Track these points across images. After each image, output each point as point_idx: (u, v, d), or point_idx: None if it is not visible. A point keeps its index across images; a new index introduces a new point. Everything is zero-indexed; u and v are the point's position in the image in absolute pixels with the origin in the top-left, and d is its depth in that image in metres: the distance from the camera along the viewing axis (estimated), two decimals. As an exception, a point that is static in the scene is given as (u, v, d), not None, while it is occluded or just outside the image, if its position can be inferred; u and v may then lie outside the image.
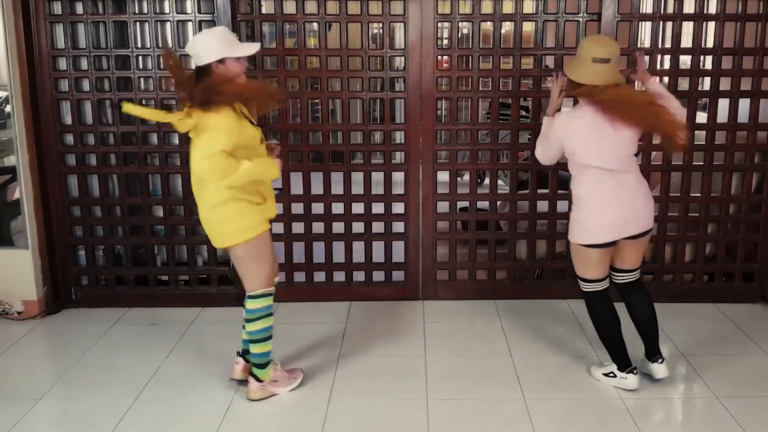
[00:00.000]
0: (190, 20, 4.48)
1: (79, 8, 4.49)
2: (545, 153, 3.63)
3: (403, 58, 4.58)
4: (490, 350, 4.14)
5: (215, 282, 4.78)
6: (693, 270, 4.82)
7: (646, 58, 3.62)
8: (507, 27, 4.63)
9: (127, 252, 4.75)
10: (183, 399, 3.63)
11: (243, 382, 3.66)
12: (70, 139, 4.63)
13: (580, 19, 4.51)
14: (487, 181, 5.02)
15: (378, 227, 4.79)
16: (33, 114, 4.52)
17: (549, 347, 4.13)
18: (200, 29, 4.43)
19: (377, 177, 4.74)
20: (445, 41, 4.70)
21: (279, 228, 4.71)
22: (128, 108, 3.27)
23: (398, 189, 4.75)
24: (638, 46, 4.64)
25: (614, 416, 3.46)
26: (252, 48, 3.35)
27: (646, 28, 4.80)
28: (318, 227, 4.75)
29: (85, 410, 3.54)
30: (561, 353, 4.06)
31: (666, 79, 4.60)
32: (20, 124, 4.47)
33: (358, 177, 4.71)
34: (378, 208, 4.75)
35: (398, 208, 4.75)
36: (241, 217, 3.35)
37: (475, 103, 4.72)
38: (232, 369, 3.71)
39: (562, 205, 4.71)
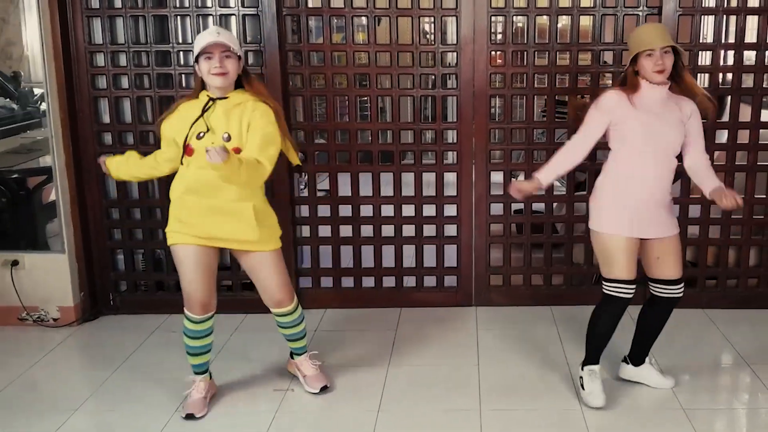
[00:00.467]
0: (234, 14, 4.34)
1: (118, 2, 4.36)
2: None
3: (455, 53, 4.43)
4: (545, 359, 4.02)
5: (259, 288, 4.60)
6: (758, 275, 4.67)
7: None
8: (563, 21, 4.51)
9: (168, 256, 4.53)
10: (225, 410, 3.52)
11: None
12: (108, 138, 4.49)
13: (640, 13, 4.38)
14: None
15: (429, 230, 4.65)
16: (69, 112, 4.38)
17: (608, 356, 3.85)
18: (244, 24, 4.34)
19: (428, 178, 4.60)
20: (499, 36, 4.56)
21: (326, 231, 4.58)
22: None
23: (450, 190, 4.61)
24: (700, 40, 4.49)
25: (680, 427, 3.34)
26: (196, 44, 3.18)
27: (708, 23, 4.65)
28: (367, 230, 4.61)
29: (122, 424, 3.43)
30: (619, 362, 3.85)
31: (730, 75, 4.47)
32: (56, 122, 4.34)
33: (408, 178, 4.58)
34: (429, 210, 4.62)
35: (450, 210, 4.62)
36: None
37: (530, 101, 4.58)
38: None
39: None
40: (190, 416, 3.40)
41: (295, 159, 3.44)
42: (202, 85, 3.24)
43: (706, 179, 3.42)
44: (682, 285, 3.50)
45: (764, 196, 4.54)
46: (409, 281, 4.75)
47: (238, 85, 3.26)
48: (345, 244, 4.63)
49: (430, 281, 4.74)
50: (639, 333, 3.68)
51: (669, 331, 3.96)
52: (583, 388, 3.55)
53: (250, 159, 3.09)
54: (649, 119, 3.29)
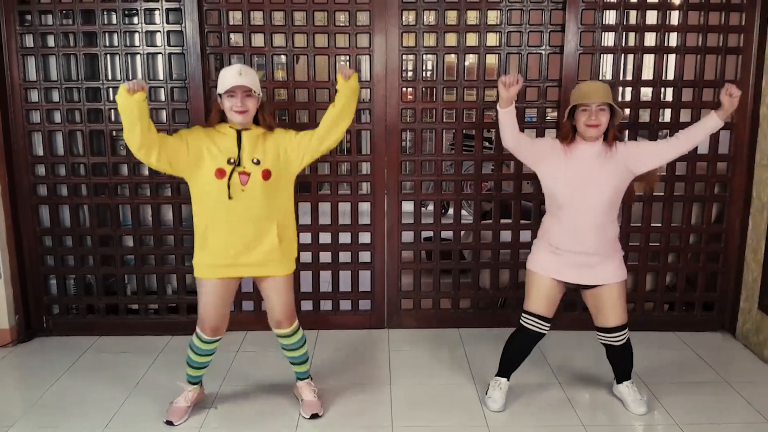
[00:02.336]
0: (160, 53, 4.54)
1: (51, 41, 4.53)
2: None
3: (369, 90, 4.62)
4: (454, 378, 4.17)
5: (184, 310, 4.83)
6: (654, 299, 4.87)
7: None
8: (471, 59, 4.68)
9: (98, 281, 4.80)
10: (151, 429, 3.62)
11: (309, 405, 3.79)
12: (41, 170, 4.68)
13: (543, 52, 4.58)
14: (451, 211, 5.04)
15: (345, 257, 4.82)
16: (5, 145, 4.57)
17: (512, 375, 4.13)
18: (170, 62, 4.54)
19: (344, 207, 4.78)
20: (410, 73, 4.74)
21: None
22: None
23: (365, 219, 4.79)
24: (600, 78, 4.70)
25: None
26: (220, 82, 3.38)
27: (607, 61, 4.86)
28: (286, 257, 4.77)
29: (55, 441, 3.55)
30: (524, 381, 4.08)
31: (627, 110, 4.66)
32: (-7, 155, 4.50)
33: (325, 207, 4.75)
34: (345, 237, 4.79)
35: (365, 238, 4.80)
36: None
37: (439, 135, 4.76)
38: None
39: (525, 235, 4.79)
40: (169, 423, 3.61)
41: None
42: (220, 117, 3.43)
43: (699, 125, 3.50)
44: (620, 333, 3.63)
45: (659, 225, 4.73)
46: (326, 305, 4.91)
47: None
48: None
49: (345, 305, 4.90)
50: (610, 364, 3.85)
51: (570, 352, 4.25)
52: (486, 393, 3.82)
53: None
54: (579, 174, 3.43)
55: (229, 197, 3.31)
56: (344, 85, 3.44)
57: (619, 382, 3.87)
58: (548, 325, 3.63)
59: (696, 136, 3.50)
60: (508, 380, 3.84)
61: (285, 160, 3.45)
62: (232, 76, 3.30)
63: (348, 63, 4.59)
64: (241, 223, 3.36)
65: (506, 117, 3.48)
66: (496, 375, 3.85)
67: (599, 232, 3.48)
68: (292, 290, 3.64)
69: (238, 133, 3.38)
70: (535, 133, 4.70)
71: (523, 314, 3.67)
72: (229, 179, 3.31)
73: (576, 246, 3.49)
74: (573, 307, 4.81)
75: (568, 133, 3.48)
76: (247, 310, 4.86)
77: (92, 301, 4.86)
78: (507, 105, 3.44)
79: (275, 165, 3.41)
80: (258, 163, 3.37)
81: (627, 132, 4.72)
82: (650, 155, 3.51)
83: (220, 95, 3.37)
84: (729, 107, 3.41)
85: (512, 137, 3.51)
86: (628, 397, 3.79)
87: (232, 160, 3.34)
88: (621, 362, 3.79)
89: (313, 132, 3.48)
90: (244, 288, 4.79)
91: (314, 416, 3.68)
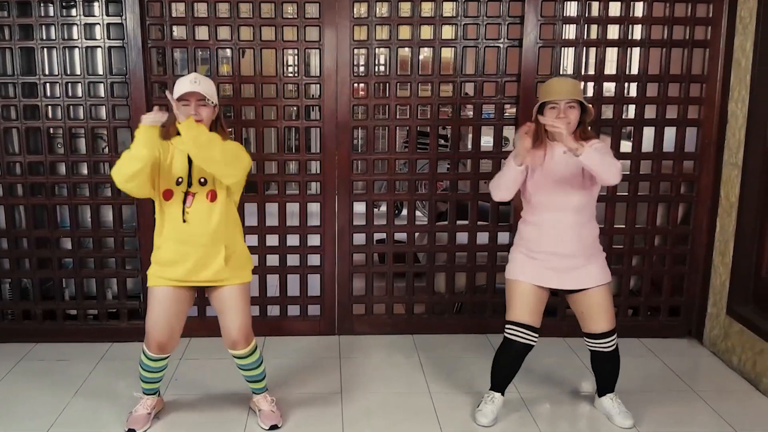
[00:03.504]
0: (100, 46, 4.36)
1: (-16, 35, 4.36)
2: None
3: (318, 85, 4.48)
4: (407, 386, 4.05)
5: (125, 316, 4.64)
6: (617, 304, 4.61)
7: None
8: (425, 53, 4.54)
9: (34, 285, 4.61)
10: None
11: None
12: (-24, 168, 4.49)
13: (501, 45, 4.44)
14: (404, 212, 4.88)
15: (293, 260, 4.66)
16: (-63, 143, 4.38)
17: (469, 384, 4.01)
18: (110, 55, 4.36)
19: (292, 208, 4.62)
20: (362, 68, 4.59)
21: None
22: None
23: (314, 220, 4.64)
24: (561, 73, 4.56)
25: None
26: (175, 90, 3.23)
27: (568, 55, 4.70)
28: (231, 260, 4.60)
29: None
30: (482, 390, 3.89)
31: (589, 107, 4.46)
32: (-77, 153, 4.34)
33: (272, 208, 4.60)
34: (293, 240, 4.63)
35: (314, 240, 4.65)
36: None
37: (392, 132, 4.62)
38: None
39: (481, 237, 4.65)
40: (131, 431, 3.50)
41: None
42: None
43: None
44: (609, 339, 3.50)
45: (623, 226, 4.59)
46: (273, 310, 4.77)
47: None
48: None
49: (293, 310, 4.75)
50: (594, 374, 3.72)
51: (530, 359, 4.00)
52: (478, 407, 3.65)
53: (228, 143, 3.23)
54: (552, 175, 3.33)
55: (184, 221, 3.25)
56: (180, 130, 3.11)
57: (601, 394, 3.73)
58: (536, 335, 3.47)
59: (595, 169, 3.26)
60: (503, 395, 3.66)
61: None
62: (186, 83, 3.21)
63: (296, 57, 4.43)
64: (188, 245, 3.29)
65: (520, 176, 3.32)
66: (490, 389, 3.67)
67: (577, 233, 3.38)
68: (248, 304, 3.47)
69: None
70: (493, 129, 4.56)
71: (507, 326, 3.50)
72: (184, 201, 3.25)
73: (555, 248, 3.38)
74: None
75: (535, 135, 3.32)
76: (191, 315, 4.60)
77: (28, 307, 4.66)
78: (522, 160, 3.24)
79: (221, 185, 3.28)
80: (204, 183, 3.26)
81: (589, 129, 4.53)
82: None
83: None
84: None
85: (512, 193, 3.40)
86: (613, 410, 3.66)
87: (180, 180, 3.24)
88: (608, 371, 3.64)
89: None
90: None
91: (273, 427, 3.56)
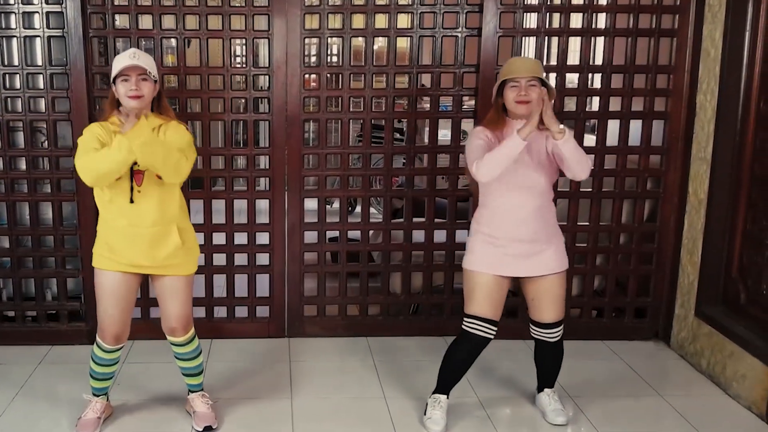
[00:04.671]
0: (39, 35, 4.19)
1: None
2: None
3: (267, 77, 4.33)
4: (361, 391, 3.95)
5: (65, 318, 4.47)
6: (580, 305, 4.63)
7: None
8: (380, 43, 4.40)
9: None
10: None
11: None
12: None
13: (459, 35, 4.30)
14: (358, 209, 4.75)
15: (241, 259, 4.52)
16: None
17: (426, 388, 3.82)
18: (49, 45, 4.21)
19: (240, 205, 4.48)
20: (313, 59, 4.44)
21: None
22: None
23: (263, 218, 4.51)
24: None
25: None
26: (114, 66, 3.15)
27: (530, 44, 4.55)
28: (177, 259, 4.44)
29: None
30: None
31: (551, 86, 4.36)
32: None
33: (219, 205, 4.44)
34: (241, 238, 4.49)
35: (263, 238, 4.51)
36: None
37: (345, 125, 4.49)
38: None
39: (439, 235, 4.52)
40: None
41: None
42: (116, 107, 3.18)
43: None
44: (556, 330, 3.47)
45: (587, 224, 4.47)
46: (220, 312, 4.62)
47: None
48: None
49: (241, 312, 4.61)
50: (536, 367, 3.70)
51: (489, 363, 4.12)
52: (425, 413, 3.57)
53: (168, 144, 3.14)
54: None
55: (131, 201, 3.18)
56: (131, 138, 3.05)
57: (540, 390, 3.70)
58: (495, 328, 3.40)
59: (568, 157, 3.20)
60: (448, 397, 3.57)
61: None
62: (124, 58, 3.12)
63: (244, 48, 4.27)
64: (141, 226, 3.21)
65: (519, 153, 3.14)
66: (434, 392, 3.58)
67: (538, 216, 3.32)
68: (191, 294, 3.46)
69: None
70: (451, 123, 4.43)
71: (465, 319, 3.41)
72: (131, 180, 3.16)
73: (516, 233, 3.30)
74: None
75: (494, 117, 3.28)
76: (134, 317, 4.45)
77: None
78: (527, 135, 3.09)
79: None
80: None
81: None
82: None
83: (113, 82, 3.15)
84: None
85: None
86: (548, 407, 3.63)
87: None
88: (550, 364, 3.62)
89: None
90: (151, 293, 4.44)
91: (207, 428, 3.47)
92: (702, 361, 4.17)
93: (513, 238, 3.29)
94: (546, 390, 3.66)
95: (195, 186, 4.43)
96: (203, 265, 4.45)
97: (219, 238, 4.47)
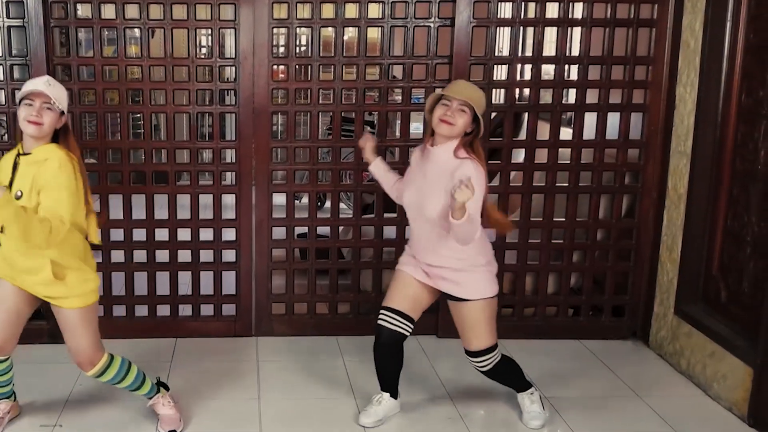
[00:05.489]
0: (-2, 25, 4.10)
1: None
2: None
3: (233, 68, 4.23)
4: (331, 392, 3.88)
5: (25, 317, 4.34)
6: (557, 303, 4.55)
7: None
8: (350, 33, 4.30)
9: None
10: None
11: None
12: None
13: (432, 25, 4.21)
14: (328, 204, 4.73)
15: (206, 256, 4.43)
16: None
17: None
18: (9, 35, 4.11)
19: (206, 200, 4.38)
20: (282, 49, 4.36)
21: (97, 257, 4.26)
22: None
23: (229, 213, 4.41)
24: (496, 54, 4.34)
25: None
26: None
27: (504, 35, 4.47)
28: (140, 256, 4.37)
29: None
30: (411, 395, 3.78)
31: (527, 91, 4.34)
32: None
33: (184, 200, 4.35)
34: (206, 234, 4.40)
35: (229, 234, 4.42)
36: None
37: (314, 118, 4.42)
38: None
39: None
40: None
41: (93, 236, 3.24)
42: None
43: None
44: (480, 359, 3.36)
45: (563, 219, 4.38)
46: (185, 310, 4.53)
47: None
48: (117, 270, 4.39)
49: (207, 310, 4.52)
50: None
51: (459, 364, 3.97)
52: (365, 407, 3.57)
53: (45, 217, 2.93)
54: (423, 180, 3.23)
55: (1, 230, 3.02)
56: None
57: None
58: (409, 324, 3.36)
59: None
60: (394, 397, 3.55)
61: None
62: (35, 82, 3.07)
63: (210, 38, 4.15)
64: (12, 255, 3.09)
65: (376, 171, 3.49)
66: (381, 389, 3.56)
67: (442, 244, 3.23)
68: (89, 328, 3.21)
69: (16, 158, 3.07)
70: (423, 116, 4.28)
71: (380, 312, 3.39)
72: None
73: (426, 258, 3.32)
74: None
75: (427, 136, 3.31)
76: (119, 315, 4.47)
77: None
78: (373, 159, 3.46)
79: (35, 202, 3.01)
80: (20, 196, 3.00)
81: (527, 115, 4.36)
82: None
83: (18, 103, 3.06)
84: (456, 202, 2.96)
85: (392, 190, 3.50)
86: (522, 408, 3.60)
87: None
88: (499, 382, 3.59)
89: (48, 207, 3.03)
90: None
91: None
92: (682, 361, 4.11)
93: (421, 260, 3.32)
94: (520, 393, 3.60)
95: (159, 180, 4.34)
96: (167, 262, 4.39)
97: (184, 234, 4.39)
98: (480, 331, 3.31)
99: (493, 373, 3.44)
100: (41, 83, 3.02)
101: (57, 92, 3.05)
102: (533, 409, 3.54)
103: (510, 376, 3.53)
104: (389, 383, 3.52)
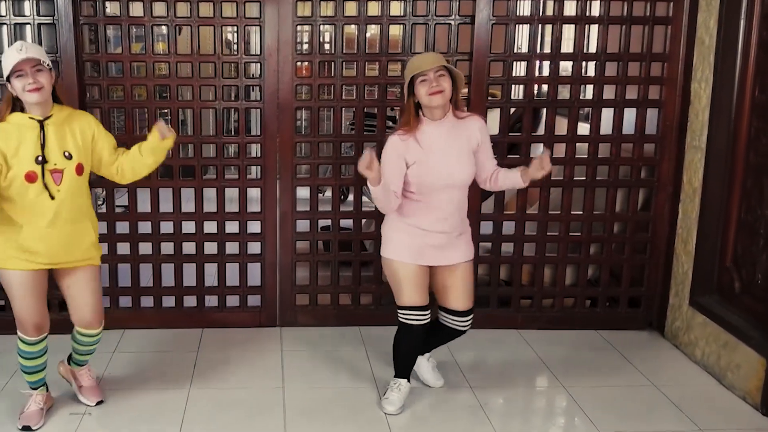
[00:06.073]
0: (29, 23, 4.16)
1: None
2: None
3: (259, 64, 4.29)
4: (353, 380, 3.91)
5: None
6: (574, 294, 4.58)
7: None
8: (372, 31, 4.37)
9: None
10: None
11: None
12: None
13: (452, 22, 4.26)
14: (350, 197, 4.74)
15: (232, 248, 4.48)
16: None
17: (418, 377, 3.83)
18: (40, 33, 4.17)
19: (231, 193, 4.45)
20: (305, 46, 4.40)
21: (125, 249, 4.39)
22: None
23: (254, 206, 4.46)
24: (515, 51, 4.37)
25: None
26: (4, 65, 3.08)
27: (523, 32, 4.52)
28: (167, 248, 4.43)
29: None
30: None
31: (545, 87, 4.39)
32: None
33: (210, 193, 4.41)
34: (232, 227, 4.45)
35: (254, 227, 4.47)
36: None
37: (337, 113, 4.45)
38: None
39: None
40: (26, 428, 3.35)
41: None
42: (13, 107, 3.11)
43: (510, 174, 3.45)
44: (468, 318, 3.50)
45: (581, 213, 4.43)
46: (211, 301, 4.58)
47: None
48: (144, 262, 4.44)
49: (232, 301, 4.57)
50: (427, 342, 3.69)
51: (482, 352, 4.12)
52: (384, 395, 3.59)
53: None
54: (437, 158, 3.27)
55: (52, 198, 3.11)
56: (159, 146, 3.30)
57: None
58: (428, 312, 3.46)
59: (503, 185, 3.52)
60: (409, 381, 3.62)
61: (95, 155, 3.28)
62: (15, 51, 3.04)
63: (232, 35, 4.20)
64: (58, 225, 3.16)
65: (382, 193, 3.27)
66: (395, 376, 3.62)
67: (460, 208, 3.42)
68: (101, 285, 3.47)
69: (41, 124, 3.10)
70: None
71: (400, 311, 3.47)
72: (44, 180, 3.08)
73: (440, 226, 3.36)
74: (486, 303, 4.48)
75: (410, 118, 3.30)
76: (124, 306, 4.49)
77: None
78: (377, 183, 3.23)
79: (86, 157, 3.22)
80: (70, 157, 3.14)
81: (545, 110, 4.42)
82: (480, 161, 3.44)
83: (8, 80, 3.06)
84: (533, 174, 3.32)
85: (397, 204, 3.36)
86: (426, 370, 3.82)
87: (39, 159, 3.07)
88: (440, 344, 3.78)
89: (120, 156, 3.35)
90: (122, 281, 4.45)
91: (100, 403, 3.56)
92: (696, 351, 4.14)
93: (435, 231, 3.35)
94: (426, 355, 3.78)
95: (186, 174, 4.40)
96: (194, 254, 4.45)
97: (210, 227, 4.43)
98: (471, 290, 3.50)
99: (464, 333, 3.58)
100: (20, 53, 3.00)
101: (37, 51, 3.07)
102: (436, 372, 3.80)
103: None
104: (408, 370, 3.61)
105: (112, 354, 4.14)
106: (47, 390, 3.52)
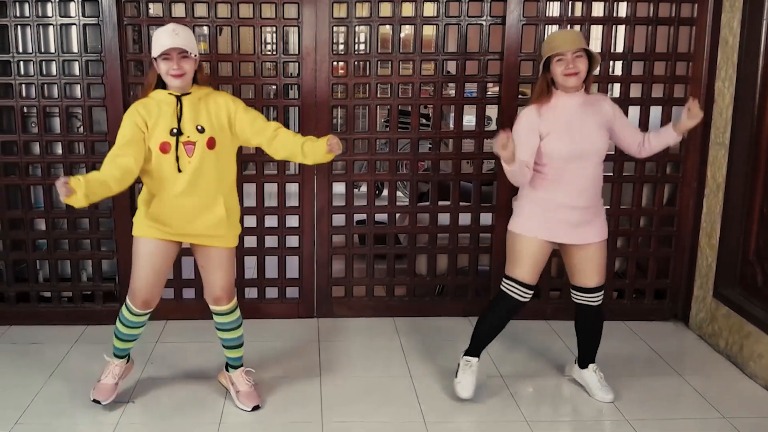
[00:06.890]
0: (74, 23, 4.27)
1: (-44, 11, 4.26)
2: None
3: (297, 64, 4.39)
4: (388, 371, 3.98)
5: (100, 299, 4.55)
6: None
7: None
8: (406, 31, 4.45)
9: (8, 267, 4.51)
10: (66, 422, 3.43)
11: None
12: (-54, 150, 4.40)
13: (484, 23, 4.36)
14: (385, 192, 4.80)
15: (271, 241, 4.58)
16: None
17: (450, 367, 3.86)
18: (84, 33, 4.28)
19: (270, 188, 4.54)
20: (341, 46, 4.51)
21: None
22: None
23: (292, 201, 4.56)
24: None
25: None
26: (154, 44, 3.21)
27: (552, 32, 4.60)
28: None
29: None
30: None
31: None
32: None
33: (250, 189, 4.51)
34: (271, 221, 4.55)
35: (292, 221, 4.56)
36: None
37: (372, 111, 4.54)
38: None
39: (464, 218, 4.57)
40: (96, 402, 3.45)
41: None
42: (156, 84, 3.27)
43: (661, 133, 3.50)
44: (599, 294, 3.50)
45: (608, 207, 4.39)
46: (251, 292, 4.68)
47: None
48: (186, 255, 4.42)
49: (271, 292, 4.66)
50: (577, 338, 3.71)
51: (512, 342, 4.16)
52: (456, 376, 3.59)
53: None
54: (570, 129, 3.28)
55: (179, 170, 3.22)
56: (320, 156, 3.34)
57: (583, 366, 3.71)
58: (531, 293, 3.46)
59: (657, 147, 3.53)
60: (479, 359, 3.61)
61: (231, 129, 3.34)
62: (166, 36, 3.16)
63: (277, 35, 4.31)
64: (187, 195, 3.26)
65: (520, 170, 3.28)
66: (465, 354, 3.62)
67: (596, 183, 3.39)
68: (234, 266, 3.57)
69: (178, 99, 3.23)
70: (476, 109, 4.49)
71: (505, 280, 3.47)
72: (177, 151, 3.21)
73: (575, 200, 3.34)
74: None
75: (543, 91, 3.32)
76: (166, 298, 4.52)
77: (1, 289, 4.54)
78: (511, 161, 3.21)
79: (220, 133, 3.30)
80: (202, 130, 3.25)
81: None
82: (622, 134, 3.49)
83: (155, 59, 3.20)
84: (686, 124, 3.39)
85: (530, 176, 3.35)
86: (594, 384, 3.66)
87: (174, 131, 3.20)
88: (592, 331, 3.64)
89: (271, 131, 3.38)
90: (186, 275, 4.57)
91: (256, 408, 3.51)
92: (720, 342, 4.20)
93: (571, 205, 3.33)
94: (591, 366, 3.67)
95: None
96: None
97: (250, 221, 4.49)
98: (604, 267, 3.49)
99: (598, 312, 3.55)
100: (170, 36, 3.13)
101: (186, 39, 3.18)
102: (605, 384, 3.64)
103: (602, 325, 3.64)
104: (481, 347, 3.61)
105: (155, 344, 4.24)
106: (128, 361, 3.63)
